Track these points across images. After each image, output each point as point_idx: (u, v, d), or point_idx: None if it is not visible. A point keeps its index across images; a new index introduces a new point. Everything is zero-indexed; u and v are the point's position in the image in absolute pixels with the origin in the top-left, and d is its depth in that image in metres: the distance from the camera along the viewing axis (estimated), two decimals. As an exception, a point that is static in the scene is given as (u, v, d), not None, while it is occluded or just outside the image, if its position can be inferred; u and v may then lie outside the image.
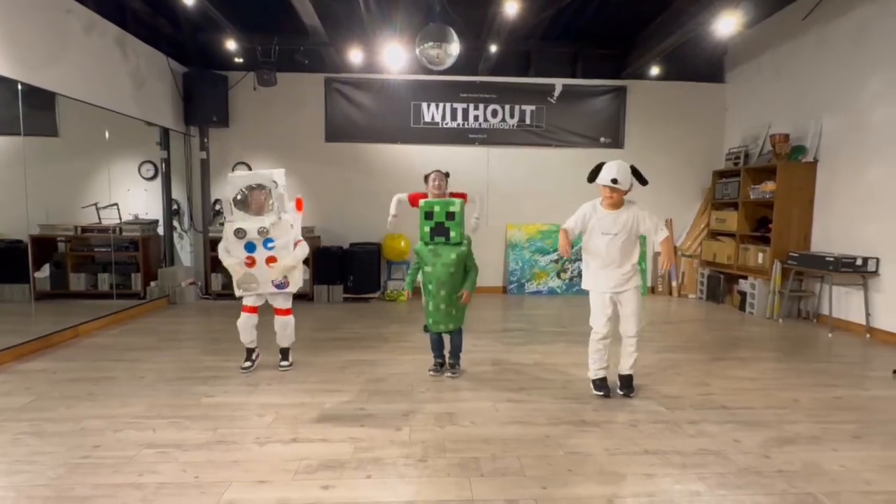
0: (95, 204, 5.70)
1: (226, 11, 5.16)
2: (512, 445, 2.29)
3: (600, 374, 2.96)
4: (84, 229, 5.61)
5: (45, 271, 5.54)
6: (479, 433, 2.41)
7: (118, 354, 3.66)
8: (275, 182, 3.12)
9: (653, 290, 6.56)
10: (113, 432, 2.37)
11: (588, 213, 2.87)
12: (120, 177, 5.97)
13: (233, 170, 6.11)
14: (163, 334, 4.22)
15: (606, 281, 2.83)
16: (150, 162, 5.98)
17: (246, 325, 3.24)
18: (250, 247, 3.11)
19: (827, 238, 4.93)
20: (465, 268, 3.10)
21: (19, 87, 3.72)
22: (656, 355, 3.72)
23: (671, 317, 5.29)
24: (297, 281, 3.25)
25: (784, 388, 3.07)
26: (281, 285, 3.20)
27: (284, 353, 3.41)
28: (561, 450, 2.25)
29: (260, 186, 3.11)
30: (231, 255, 3.14)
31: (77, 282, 5.61)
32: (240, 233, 3.07)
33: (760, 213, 5.56)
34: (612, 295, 2.85)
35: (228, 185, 3.12)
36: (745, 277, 5.46)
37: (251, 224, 3.08)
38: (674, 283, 6.45)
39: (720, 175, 6.11)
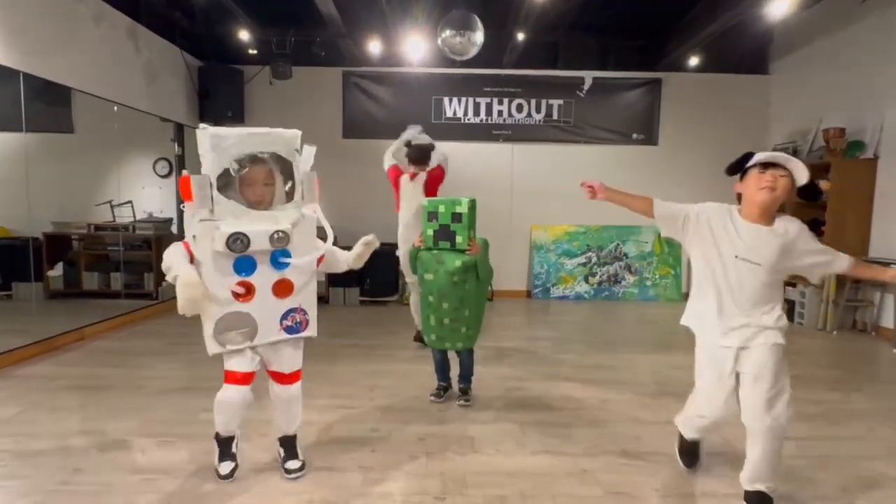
0: (110, 202, 5.59)
1: (241, 1, 4.96)
2: (543, 481, 1.98)
3: (694, 436, 2.02)
4: (98, 227, 5.50)
5: (58, 270, 5.44)
6: (505, 464, 2.11)
7: (121, 360, 3.46)
8: (297, 151, 1.84)
9: (687, 296, 6.13)
10: (98, 452, 2.15)
11: (712, 217, 1.86)
12: (135, 174, 5.85)
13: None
14: (170, 338, 4.02)
15: (729, 332, 1.77)
16: (165, 159, 5.84)
17: (234, 405, 1.87)
18: (247, 265, 1.78)
19: (888, 242, 4.46)
20: (477, 276, 2.61)
21: (21, 76, 3.56)
22: (690, 369, 3.35)
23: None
24: (314, 313, 1.96)
25: (855, 415, 2.68)
26: (295, 327, 1.89)
27: (290, 444, 2.04)
28: (600, 488, 1.93)
29: (270, 158, 1.82)
30: (208, 277, 1.73)
31: (90, 281, 5.50)
32: (238, 242, 1.69)
33: (810, 214, 5.10)
34: (735, 352, 1.77)
35: (212, 151, 1.69)
36: (794, 285, 5.02)
37: (257, 225, 1.74)
38: (711, 290, 6.01)
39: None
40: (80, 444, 2.22)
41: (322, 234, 1.95)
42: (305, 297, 1.91)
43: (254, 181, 1.80)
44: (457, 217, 2.54)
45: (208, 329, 1.76)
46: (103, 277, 5.52)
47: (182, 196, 1.73)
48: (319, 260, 1.94)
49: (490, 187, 6.03)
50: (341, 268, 2.05)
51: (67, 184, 5.41)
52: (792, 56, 5.72)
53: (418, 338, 3.85)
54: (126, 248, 5.43)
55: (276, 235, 1.76)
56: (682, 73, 5.94)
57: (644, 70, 6.01)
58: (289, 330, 1.88)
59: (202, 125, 1.74)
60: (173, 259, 1.72)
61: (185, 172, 1.68)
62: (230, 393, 1.85)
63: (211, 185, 1.71)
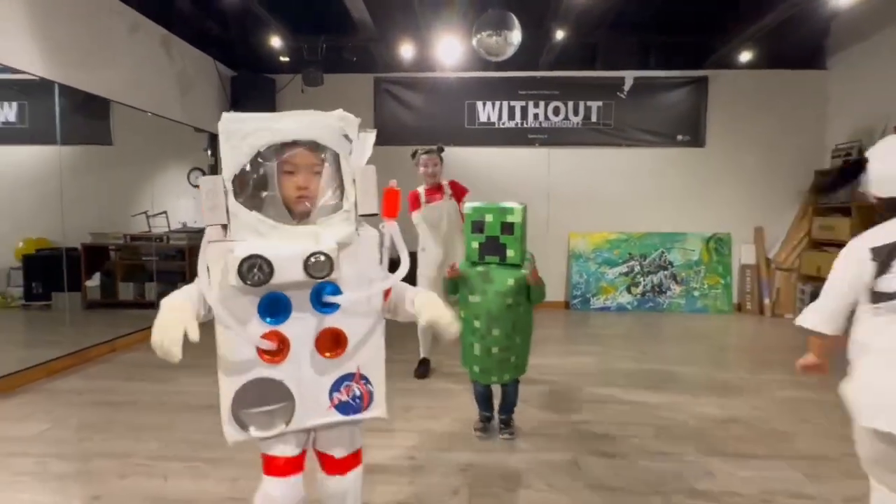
0: (145, 212, 5.63)
1: (272, 8, 4.92)
2: (605, 525, 1.73)
3: None
4: (133, 238, 5.53)
5: (95, 280, 5.50)
6: (559, 503, 1.87)
7: (149, 373, 3.38)
8: (346, 137, 1.26)
9: (739, 307, 5.74)
10: (119, 478, 2.02)
11: (861, 263, 1.30)
12: (169, 184, 5.89)
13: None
14: (200, 350, 3.91)
15: None
16: (199, 169, 5.85)
17: None
18: (277, 308, 1.21)
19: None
20: (528, 296, 2.25)
21: (57, 88, 3.56)
22: (771, 393, 3.03)
23: (771, 341, 4.50)
24: (380, 381, 1.32)
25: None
26: (352, 405, 1.28)
27: None
28: (674, 536, 1.68)
29: (311, 147, 1.23)
30: (223, 326, 1.20)
31: (125, 291, 5.53)
32: (256, 271, 1.13)
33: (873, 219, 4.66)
34: None
35: (227, 143, 1.19)
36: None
37: (286, 245, 1.16)
38: (765, 301, 5.60)
39: (824, 175, 5.25)
40: (101, 467, 2.10)
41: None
42: (367, 356, 1.28)
43: (297, 166, 1.21)
44: (507, 228, 2.16)
45: (225, 404, 1.21)
46: (138, 287, 5.54)
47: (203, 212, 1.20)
48: (387, 295, 1.31)
49: (525, 194, 5.76)
50: (405, 313, 1.33)
51: (106, 195, 5.47)
52: (852, 49, 5.30)
53: (421, 372, 3.36)
54: (160, 259, 5.44)
55: (312, 260, 1.14)
56: (731, 69, 5.59)
57: (689, 68, 5.69)
58: (342, 408, 1.26)
59: (225, 114, 1.21)
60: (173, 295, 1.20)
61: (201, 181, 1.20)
62: (271, 489, 1.27)
63: (225, 190, 1.17)
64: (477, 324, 2.22)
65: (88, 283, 5.38)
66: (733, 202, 5.71)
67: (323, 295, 1.21)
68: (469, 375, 2.36)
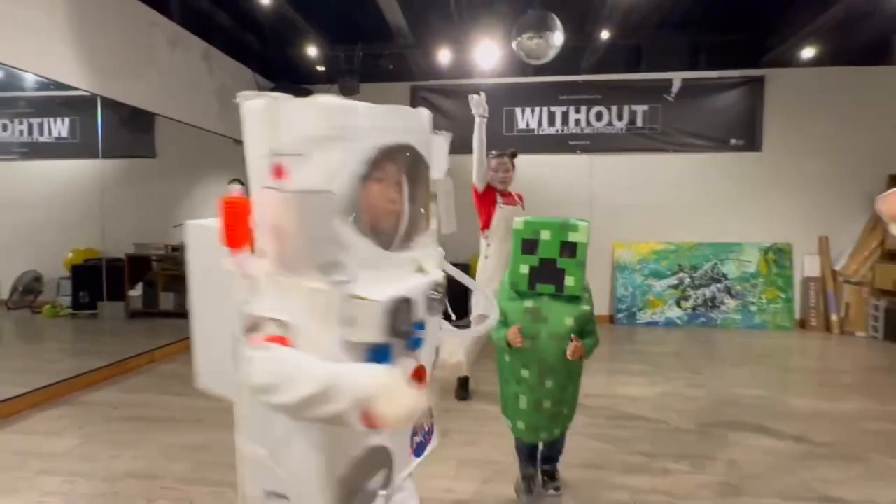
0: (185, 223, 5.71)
1: (309, 18, 4.92)
2: (676, 583, 1.50)
3: None
4: (174, 248, 5.62)
5: (138, 290, 5.60)
6: (619, 551, 1.65)
7: (184, 387, 3.32)
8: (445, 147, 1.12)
9: (802, 324, 5.30)
10: (146, 501, 1.93)
11: None
12: (209, 195, 5.95)
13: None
14: (236, 363, 3.89)
15: None
16: (238, 180, 5.88)
17: None
18: (379, 357, 0.88)
19: None
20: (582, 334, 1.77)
21: (99, 102, 3.61)
22: (857, 424, 2.68)
23: (844, 362, 4.09)
24: (435, 406, 1.15)
25: None
26: (423, 443, 1.09)
27: None
28: None
29: (412, 157, 1.01)
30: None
31: (166, 301, 5.60)
32: (402, 316, 0.88)
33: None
34: None
35: (340, 140, 0.86)
36: None
37: (411, 282, 0.94)
38: (833, 317, 5.13)
39: (900, 180, 4.80)
40: (129, 488, 2.02)
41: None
42: (433, 389, 1.08)
43: (389, 173, 0.96)
44: (569, 249, 1.67)
45: (328, 494, 0.90)
46: (178, 297, 5.60)
47: (230, 241, 0.92)
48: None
49: (567, 203, 5.55)
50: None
51: (150, 206, 5.59)
52: (930, 41, 4.85)
53: (463, 395, 3.08)
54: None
55: (434, 293, 0.96)
56: (789, 68, 5.22)
57: (743, 68, 5.35)
58: (418, 450, 1.06)
59: (271, 95, 0.96)
60: (300, 367, 0.79)
61: (233, 188, 0.95)
62: None
63: (334, 212, 0.86)
64: (525, 373, 1.76)
65: (131, 293, 5.48)
66: (794, 210, 5.30)
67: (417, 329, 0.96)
68: (509, 428, 1.91)
